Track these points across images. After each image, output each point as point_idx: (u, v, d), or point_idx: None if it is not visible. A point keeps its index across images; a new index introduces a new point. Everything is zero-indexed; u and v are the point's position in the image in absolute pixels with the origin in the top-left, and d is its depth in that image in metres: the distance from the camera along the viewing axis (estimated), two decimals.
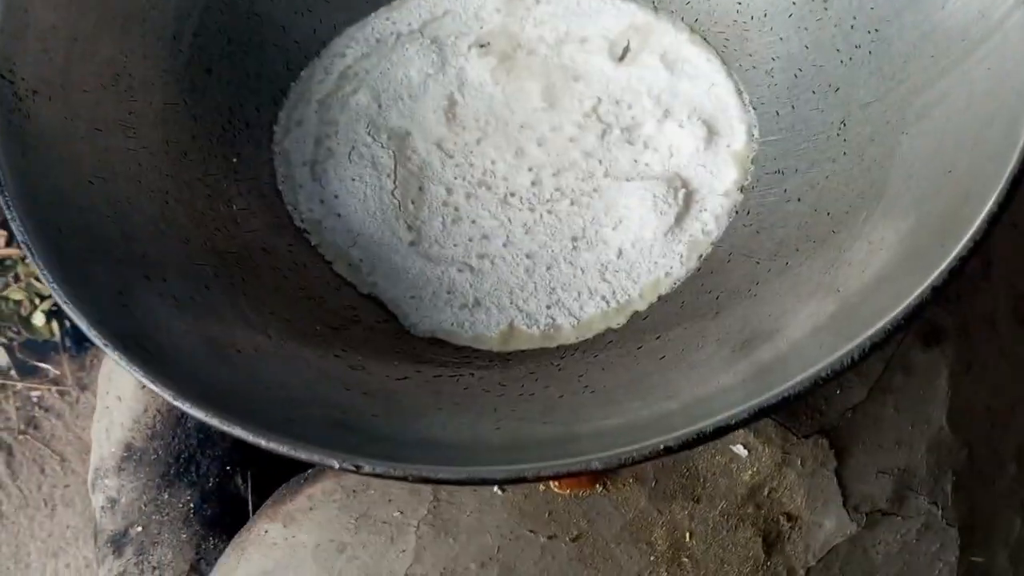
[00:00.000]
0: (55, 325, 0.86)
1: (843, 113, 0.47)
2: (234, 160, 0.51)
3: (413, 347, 0.47)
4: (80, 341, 0.86)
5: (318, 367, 0.42)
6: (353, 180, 0.52)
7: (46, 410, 0.86)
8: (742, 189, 0.50)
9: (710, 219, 0.49)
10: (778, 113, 0.50)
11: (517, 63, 0.56)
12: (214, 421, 0.34)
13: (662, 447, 0.31)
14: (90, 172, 0.43)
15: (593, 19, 0.57)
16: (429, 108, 0.55)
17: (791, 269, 0.44)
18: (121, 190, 0.44)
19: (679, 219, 0.49)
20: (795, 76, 0.50)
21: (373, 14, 0.58)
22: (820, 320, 0.37)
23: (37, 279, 0.86)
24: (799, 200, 0.46)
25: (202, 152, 0.50)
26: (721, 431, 0.32)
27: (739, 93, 0.52)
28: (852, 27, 0.47)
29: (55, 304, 0.85)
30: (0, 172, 0.38)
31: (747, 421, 0.32)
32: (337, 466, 0.33)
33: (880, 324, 0.32)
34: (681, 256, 0.48)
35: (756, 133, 0.51)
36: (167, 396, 0.34)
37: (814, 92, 0.49)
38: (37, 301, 0.86)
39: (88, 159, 0.43)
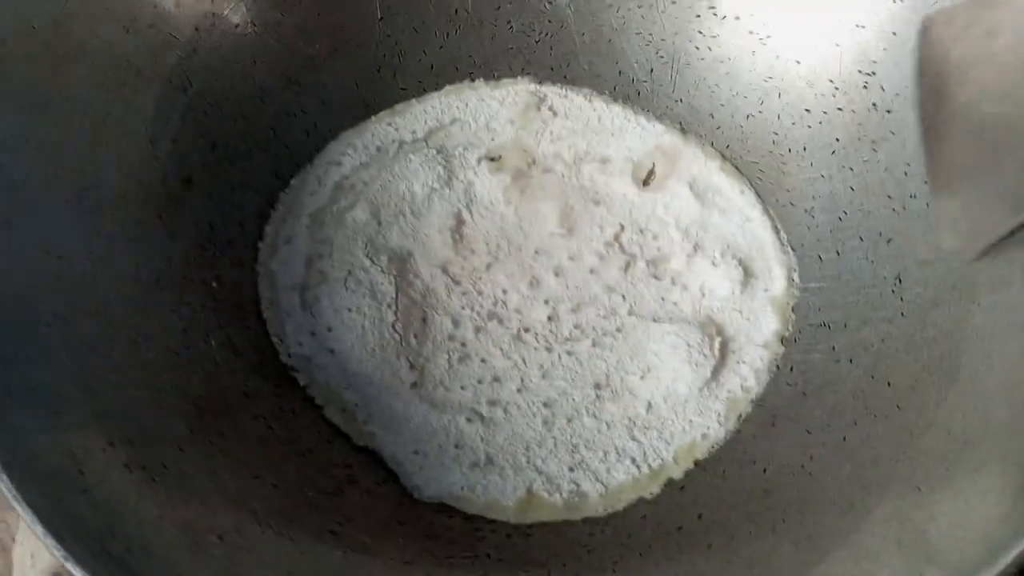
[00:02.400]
0: None
1: (897, 268, 0.43)
2: (213, 284, 0.45)
3: (419, 516, 0.41)
4: None
5: (312, 554, 0.36)
6: (349, 311, 0.45)
7: None
8: (783, 341, 0.45)
9: (749, 373, 0.45)
10: (821, 258, 0.46)
11: (532, 181, 0.51)
12: None
13: None
14: (47, 312, 0.36)
15: (616, 138, 0.52)
16: (434, 227, 0.49)
17: (849, 445, 0.39)
18: (82, 332, 0.37)
19: (715, 372, 0.44)
20: (839, 219, 0.46)
21: (374, 118, 0.52)
22: (903, 529, 0.32)
23: None
24: (851, 361, 0.42)
25: (177, 277, 0.43)
26: None
27: (776, 231, 0.48)
28: (906, 174, 0.44)
29: None
30: None
31: None
32: None
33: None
34: (719, 415, 0.44)
35: (796, 278, 0.47)
36: None
37: (862, 239, 0.45)
38: None
39: (46, 296, 0.37)
